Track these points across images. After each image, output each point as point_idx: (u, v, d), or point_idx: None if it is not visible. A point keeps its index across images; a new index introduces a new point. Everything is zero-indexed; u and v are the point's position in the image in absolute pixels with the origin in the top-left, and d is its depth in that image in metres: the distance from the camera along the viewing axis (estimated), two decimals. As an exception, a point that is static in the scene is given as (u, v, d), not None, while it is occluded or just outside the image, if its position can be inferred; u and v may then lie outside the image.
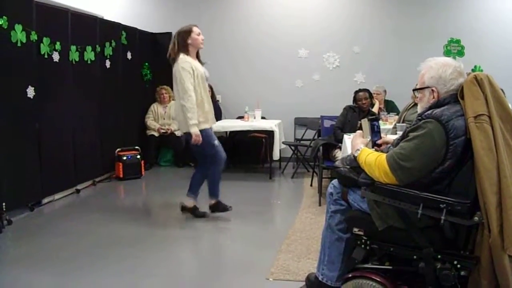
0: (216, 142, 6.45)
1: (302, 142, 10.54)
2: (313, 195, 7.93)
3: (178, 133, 6.59)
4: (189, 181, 6.69)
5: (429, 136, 3.08)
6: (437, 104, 3.26)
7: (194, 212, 6.67)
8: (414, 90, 3.59)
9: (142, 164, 9.47)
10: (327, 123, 8.88)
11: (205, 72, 6.46)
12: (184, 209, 6.69)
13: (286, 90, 11.18)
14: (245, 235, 6.18)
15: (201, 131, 6.20)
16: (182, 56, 6.22)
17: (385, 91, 10.14)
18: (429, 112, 3.19)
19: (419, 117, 3.24)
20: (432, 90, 3.34)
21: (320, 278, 3.95)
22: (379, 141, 3.86)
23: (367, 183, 3.34)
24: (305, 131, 10.77)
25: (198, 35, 6.34)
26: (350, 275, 3.48)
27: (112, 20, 9.59)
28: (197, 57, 6.49)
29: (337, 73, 11.10)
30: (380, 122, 7.50)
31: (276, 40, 11.16)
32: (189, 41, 6.29)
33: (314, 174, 8.71)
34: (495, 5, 10.63)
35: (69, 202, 7.57)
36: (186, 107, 6.09)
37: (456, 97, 3.26)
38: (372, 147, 3.77)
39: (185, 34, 6.32)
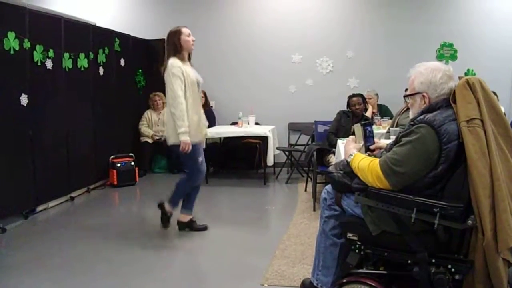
0: (200, 158, 6.18)
1: (296, 147, 10.56)
2: (307, 200, 7.95)
3: (168, 143, 6.47)
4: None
5: (422, 141, 3.09)
6: (429, 109, 3.28)
7: (191, 226, 6.51)
8: (405, 96, 3.60)
9: (136, 171, 9.47)
10: (320, 128, 8.90)
11: (198, 78, 6.15)
12: (181, 224, 6.51)
13: (279, 96, 11.21)
14: (239, 241, 6.18)
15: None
16: (172, 61, 5.91)
17: (377, 95, 10.18)
18: (421, 117, 3.20)
19: (412, 122, 3.25)
20: (423, 95, 3.36)
21: (315, 284, 3.96)
22: (372, 146, 3.87)
23: (361, 188, 3.35)
24: (299, 136, 10.79)
25: (188, 36, 6.05)
26: (344, 280, 3.48)
27: (105, 27, 9.57)
28: (189, 60, 6.19)
29: (331, 78, 11.13)
30: (374, 126, 7.56)
31: (270, 45, 11.20)
32: (180, 43, 5.99)
33: (308, 179, 8.71)
34: (487, 8, 10.67)
35: (63, 210, 7.56)
36: (175, 115, 5.80)
37: (448, 101, 3.26)
38: (365, 152, 3.79)
39: (174, 36, 6.02)
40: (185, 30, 6.06)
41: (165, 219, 6.44)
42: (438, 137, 3.06)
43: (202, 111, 6.30)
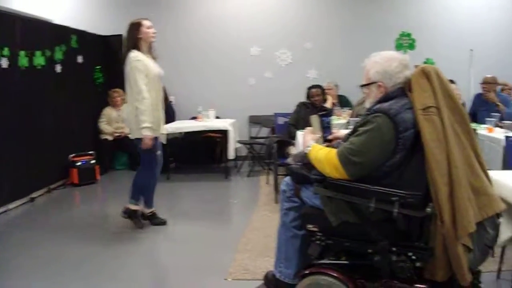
0: (159, 152, 6.22)
1: (257, 140, 10.60)
2: (269, 193, 7.97)
3: (131, 136, 6.34)
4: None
5: (378, 130, 3.10)
6: (385, 98, 3.29)
7: (153, 221, 6.50)
8: (361, 86, 3.61)
9: (97, 169, 9.39)
10: (281, 120, 8.97)
11: (160, 71, 6.12)
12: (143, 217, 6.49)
13: (239, 89, 11.23)
14: (202, 235, 6.18)
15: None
16: (133, 54, 5.85)
17: (336, 85, 10.23)
18: (377, 106, 3.22)
19: (368, 112, 3.26)
20: (379, 85, 3.37)
21: (277, 276, 3.95)
22: (329, 137, 3.89)
23: (319, 179, 3.34)
24: (260, 129, 10.82)
25: (148, 28, 5.99)
26: (306, 272, 3.49)
27: (62, 23, 9.46)
28: (150, 53, 6.14)
29: (290, 70, 11.18)
30: (334, 117, 7.58)
31: (229, 38, 11.21)
32: (140, 36, 5.94)
33: (270, 171, 8.72)
34: (445, -2, 10.82)
35: (24, 212, 7.45)
36: (139, 109, 5.76)
37: (404, 90, 3.29)
38: (323, 143, 3.79)
39: (134, 28, 5.97)
40: (145, 22, 6.02)
41: (137, 221, 6.45)
42: (394, 126, 3.08)
43: (162, 105, 6.24)
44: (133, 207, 6.38)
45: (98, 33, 10.67)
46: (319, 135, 3.86)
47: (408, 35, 11.00)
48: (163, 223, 6.50)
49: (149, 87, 5.89)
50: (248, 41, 11.22)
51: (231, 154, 9.29)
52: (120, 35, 10.20)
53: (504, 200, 3.39)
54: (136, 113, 5.84)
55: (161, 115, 6.20)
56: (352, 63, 10.06)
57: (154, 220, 6.49)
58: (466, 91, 10.20)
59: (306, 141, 3.65)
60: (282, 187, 3.89)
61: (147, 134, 5.81)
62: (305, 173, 3.52)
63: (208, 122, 9.53)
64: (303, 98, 8.54)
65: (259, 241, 5.74)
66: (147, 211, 6.49)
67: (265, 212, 6.90)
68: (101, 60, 10.65)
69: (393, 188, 3.08)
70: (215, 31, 11.20)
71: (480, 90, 8.81)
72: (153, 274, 5.19)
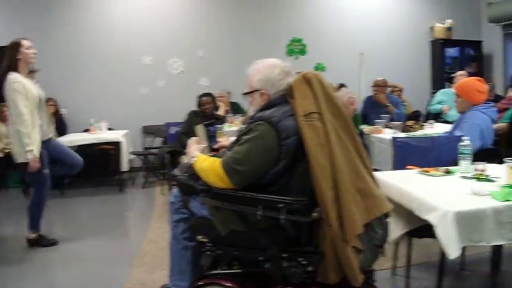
0: (46, 170, 6.01)
1: (150, 150, 10.54)
2: (164, 204, 7.84)
3: (18, 160, 6.04)
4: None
5: (261, 138, 3.12)
6: (268, 106, 3.32)
7: (42, 242, 6.21)
8: (244, 94, 3.62)
9: (-13, 188, 9.05)
10: (172, 130, 8.93)
11: (40, 93, 5.95)
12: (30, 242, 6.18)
13: (131, 99, 11.14)
14: (97, 251, 6.04)
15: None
16: (12, 76, 5.68)
17: (229, 92, 10.28)
18: (259, 114, 3.24)
19: (251, 120, 3.28)
20: (262, 92, 3.40)
21: (172, 290, 3.92)
22: (215, 146, 3.88)
23: (205, 189, 3.32)
24: (154, 139, 10.77)
25: (27, 49, 5.81)
26: (200, 283, 3.46)
27: None
28: (29, 74, 5.94)
29: (182, 79, 11.21)
30: (227, 124, 7.59)
31: (119, 48, 11.09)
32: (19, 56, 5.76)
33: (165, 182, 8.67)
34: (335, 3, 11.05)
35: None
36: (22, 132, 5.60)
37: (286, 97, 3.33)
38: (210, 153, 3.78)
39: (13, 48, 5.79)
40: (25, 42, 5.83)
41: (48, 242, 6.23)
42: (277, 134, 3.10)
43: (48, 126, 6.10)
44: (33, 235, 6.17)
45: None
46: (205, 144, 3.85)
47: (299, 40, 11.19)
48: (53, 243, 6.27)
49: (30, 108, 5.72)
50: (139, 51, 11.15)
51: (124, 166, 9.19)
52: (6, 47, 9.92)
53: (392, 201, 3.47)
54: (19, 136, 5.68)
55: (41, 132, 5.96)
56: (244, 70, 10.13)
57: (43, 242, 6.24)
58: (357, 94, 10.42)
59: (191, 151, 3.64)
60: (171, 198, 3.87)
61: (32, 157, 5.67)
62: (192, 183, 3.51)
63: (101, 134, 9.41)
64: (196, 107, 8.54)
65: (155, 254, 5.69)
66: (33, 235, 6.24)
67: (160, 224, 6.83)
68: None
69: (280, 195, 3.10)
70: (105, 40, 11.05)
71: (370, 93, 9.00)
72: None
